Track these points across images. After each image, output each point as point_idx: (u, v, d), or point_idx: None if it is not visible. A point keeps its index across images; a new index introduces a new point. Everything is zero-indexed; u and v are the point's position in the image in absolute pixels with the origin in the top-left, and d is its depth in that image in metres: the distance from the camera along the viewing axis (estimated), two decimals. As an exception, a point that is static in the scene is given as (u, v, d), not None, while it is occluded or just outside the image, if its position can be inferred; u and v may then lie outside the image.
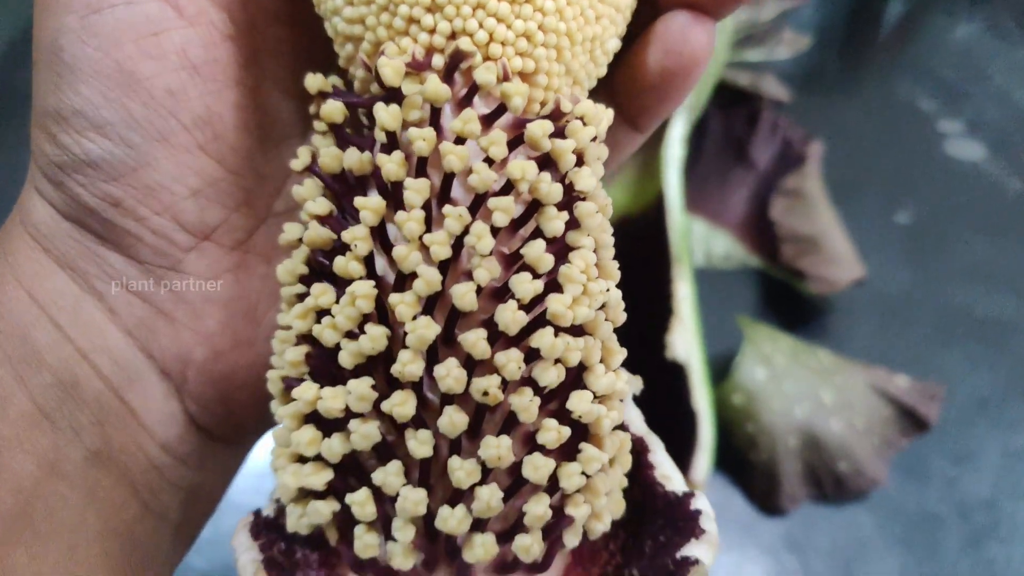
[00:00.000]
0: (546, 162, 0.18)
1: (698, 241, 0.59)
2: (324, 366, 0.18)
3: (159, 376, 0.22)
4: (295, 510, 0.18)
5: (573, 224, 0.18)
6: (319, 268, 0.19)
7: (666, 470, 0.20)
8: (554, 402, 0.18)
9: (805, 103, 0.68)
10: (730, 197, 0.60)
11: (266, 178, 0.23)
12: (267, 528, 0.19)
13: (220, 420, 0.23)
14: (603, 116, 0.19)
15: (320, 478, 0.18)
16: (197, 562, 0.44)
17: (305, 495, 0.18)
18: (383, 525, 0.18)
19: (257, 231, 0.23)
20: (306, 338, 0.19)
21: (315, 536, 0.18)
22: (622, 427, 0.20)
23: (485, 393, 0.17)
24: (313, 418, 0.18)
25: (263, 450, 0.22)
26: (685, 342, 0.47)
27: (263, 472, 0.22)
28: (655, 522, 0.19)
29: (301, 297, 0.19)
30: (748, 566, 0.47)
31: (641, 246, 0.51)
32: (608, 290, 0.19)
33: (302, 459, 0.18)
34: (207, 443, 0.23)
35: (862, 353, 0.53)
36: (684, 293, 0.48)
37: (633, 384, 0.21)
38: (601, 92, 0.22)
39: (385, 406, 0.17)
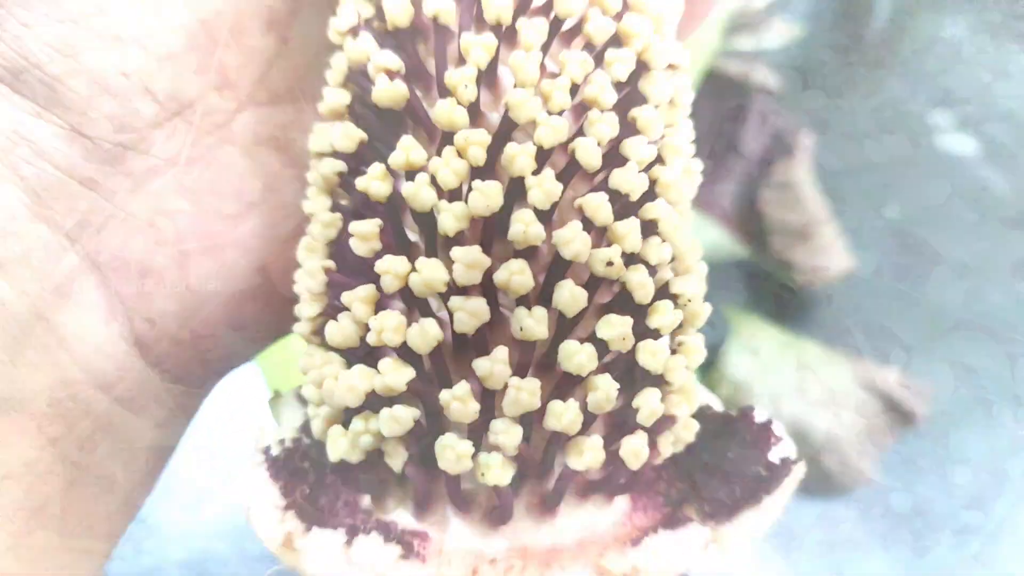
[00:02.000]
0: None
1: (686, 231, 0.58)
2: (404, 240, 0.16)
3: (101, 289, 0.18)
4: (354, 427, 0.15)
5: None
6: (396, 125, 0.17)
7: (706, 397, 0.18)
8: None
9: (795, 94, 0.67)
10: (719, 187, 0.59)
11: (249, 59, 0.20)
12: (285, 469, 0.16)
13: (181, 349, 0.19)
14: None
15: (402, 375, 0.15)
16: (176, 552, 0.43)
17: (364, 408, 0.15)
18: (473, 433, 0.15)
19: (236, 118, 0.20)
20: (375, 209, 0.16)
21: (343, 475, 0.16)
22: None
23: (609, 263, 0.15)
24: (400, 300, 0.15)
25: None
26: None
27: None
28: (713, 444, 0.17)
29: (340, 175, 0.17)
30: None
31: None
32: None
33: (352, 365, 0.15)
34: (154, 379, 0.19)
35: (850, 347, 0.52)
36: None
37: None
38: None
39: (501, 275, 0.14)
